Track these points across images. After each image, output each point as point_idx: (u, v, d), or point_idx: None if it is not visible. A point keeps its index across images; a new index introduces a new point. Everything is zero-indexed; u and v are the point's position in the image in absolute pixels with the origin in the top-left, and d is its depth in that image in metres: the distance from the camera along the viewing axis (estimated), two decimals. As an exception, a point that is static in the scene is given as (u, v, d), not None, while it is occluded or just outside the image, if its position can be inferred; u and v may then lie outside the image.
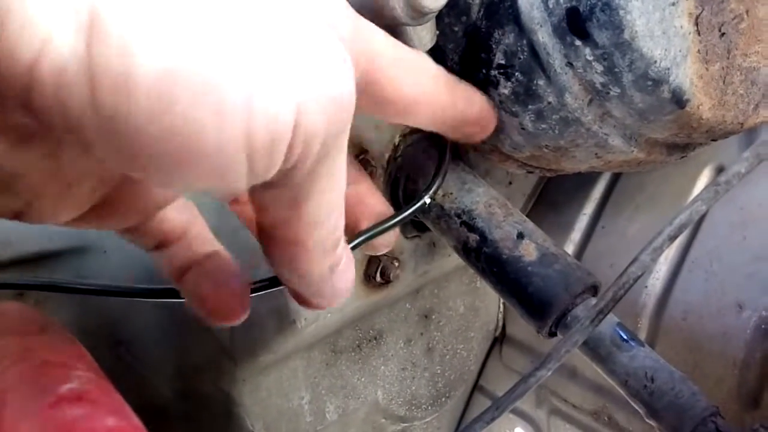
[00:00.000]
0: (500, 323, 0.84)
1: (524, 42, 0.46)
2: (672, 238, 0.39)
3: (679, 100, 0.44)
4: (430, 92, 0.38)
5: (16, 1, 0.18)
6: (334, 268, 0.31)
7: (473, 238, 0.54)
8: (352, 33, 0.32)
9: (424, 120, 0.40)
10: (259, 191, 0.25)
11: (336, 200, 0.28)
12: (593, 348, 0.48)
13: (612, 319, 0.48)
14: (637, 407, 0.47)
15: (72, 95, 0.19)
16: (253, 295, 0.37)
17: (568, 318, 0.49)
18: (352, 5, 0.43)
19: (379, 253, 0.47)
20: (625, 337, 0.48)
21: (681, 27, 0.42)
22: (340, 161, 0.26)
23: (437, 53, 0.49)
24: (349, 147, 0.57)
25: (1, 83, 0.19)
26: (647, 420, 0.47)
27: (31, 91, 0.19)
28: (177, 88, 0.19)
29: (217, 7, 0.20)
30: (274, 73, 0.21)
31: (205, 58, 0.19)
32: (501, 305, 0.84)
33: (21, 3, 0.18)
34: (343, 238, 0.31)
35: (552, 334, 0.51)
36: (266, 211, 0.27)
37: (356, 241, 0.51)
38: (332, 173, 0.26)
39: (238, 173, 0.21)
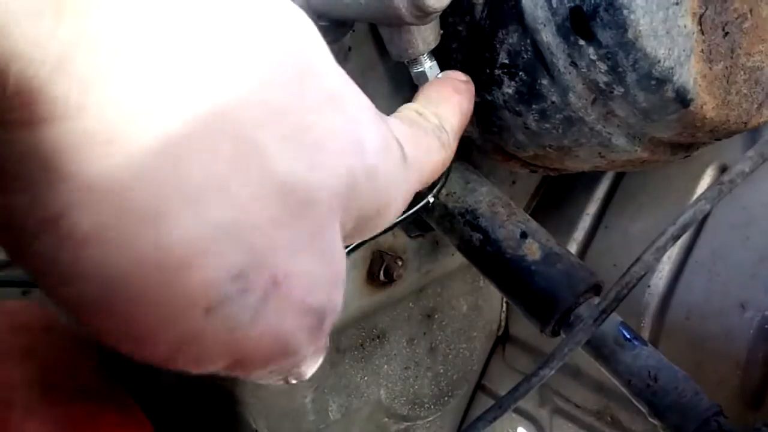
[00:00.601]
0: (503, 323, 0.84)
1: (528, 41, 0.46)
2: (675, 238, 0.39)
3: (682, 100, 0.44)
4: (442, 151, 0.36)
5: None
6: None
7: (477, 237, 0.54)
8: (409, 171, 0.30)
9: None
10: None
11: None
12: (596, 347, 0.48)
13: (615, 318, 0.48)
14: (640, 406, 0.47)
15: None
16: None
17: (572, 317, 0.49)
18: (358, 6, 0.43)
19: None
20: (628, 336, 0.48)
21: (684, 26, 0.42)
22: None
23: (441, 52, 0.49)
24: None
25: None
26: (650, 419, 0.47)
27: None
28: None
29: None
30: (217, 337, 0.21)
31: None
32: (504, 305, 0.84)
33: None
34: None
35: (555, 334, 0.51)
36: None
37: (358, 241, 0.52)
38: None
39: (154, 361, 0.22)
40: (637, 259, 0.40)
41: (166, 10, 0.19)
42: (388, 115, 0.56)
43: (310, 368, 0.29)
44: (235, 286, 0.20)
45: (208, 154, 0.20)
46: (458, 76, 0.42)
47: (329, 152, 0.23)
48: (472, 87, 0.42)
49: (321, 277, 0.23)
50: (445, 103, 0.38)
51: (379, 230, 0.30)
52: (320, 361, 0.30)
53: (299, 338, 0.23)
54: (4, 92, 0.17)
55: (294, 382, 0.30)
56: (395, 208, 0.28)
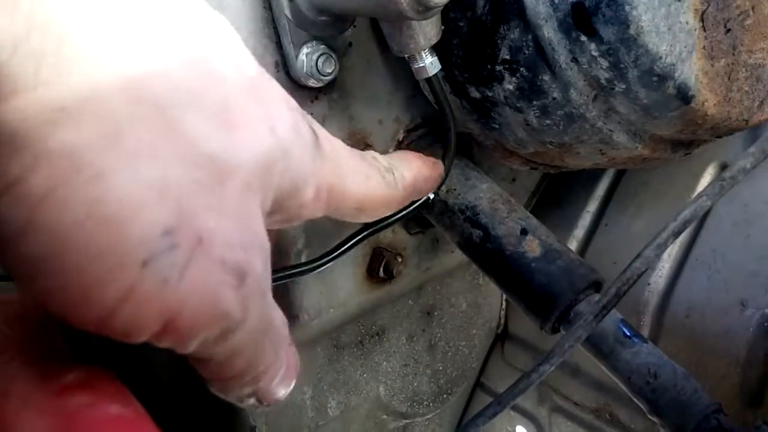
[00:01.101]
0: (502, 320, 0.84)
1: (529, 37, 0.46)
2: (676, 234, 0.39)
3: (684, 96, 0.44)
4: (386, 189, 0.40)
5: None
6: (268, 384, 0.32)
7: (477, 233, 0.54)
8: (324, 160, 0.34)
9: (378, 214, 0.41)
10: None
11: (251, 356, 0.29)
12: (596, 344, 0.48)
13: (615, 315, 0.48)
14: (639, 404, 0.47)
15: None
16: None
17: (572, 314, 0.49)
18: (359, 1, 0.43)
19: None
20: (628, 333, 0.48)
21: (686, 23, 0.42)
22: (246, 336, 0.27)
23: (442, 48, 0.49)
24: (351, 142, 0.57)
25: None
26: (650, 417, 0.47)
27: None
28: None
29: None
30: (151, 290, 0.23)
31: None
32: (503, 302, 0.83)
33: None
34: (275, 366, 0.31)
35: (555, 330, 0.51)
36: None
37: (359, 236, 0.52)
38: (239, 344, 0.27)
39: (87, 326, 0.24)
40: (638, 255, 0.40)
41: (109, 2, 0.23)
42: (389, 111, 0.57)
43: (278, 388, 0.32)
44: (165, 241, 0.23)
45: (142, 125, 0.23)
46: (427, 158, 0.47)
47: (247, 130, 0.26)
48: (439, 166, 0.47)
49: (240, 239, 0.25)
50: (404, 159, 0.43)
51: (298, 218, 0.33)
52: (289, 384, 0.32)
53: (224, 297, 0.25)
54: None
55: (266, 404, 0.32)
56: (308, 194, 0.32)
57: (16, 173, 0.21)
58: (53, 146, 0.21)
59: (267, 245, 0.28)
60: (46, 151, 0.21)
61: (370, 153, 0.41)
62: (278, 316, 0.31)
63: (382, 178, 0.39)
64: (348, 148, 0.37)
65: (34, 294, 0.23)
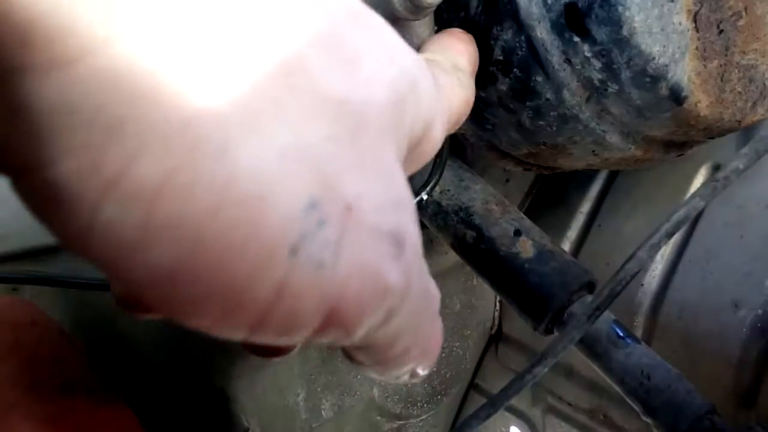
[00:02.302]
0: (496, 322, 0.84)
1: (522, 38, 0.46)
2: (669, 235, 0.39)
3: (677, 97, 0.44)
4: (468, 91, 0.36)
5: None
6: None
7: (470, 234, 0.54)
8: (444, 91, 0.30)
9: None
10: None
11: (408, 335, 0.25)
12: (590, 345, 0.48)
13: (609, 316, 0.48)
14: (633, 405, 0.47)
15: (60, 223, 0.17)
16: None
17: (565, 315, 0.49)
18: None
19: None
20: (621, 334, 0.48)
21: (679, 24, 0.42)
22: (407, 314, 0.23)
23: (435, 49, 0.49)
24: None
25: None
26: (643, 417, 0.47)
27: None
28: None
29: None
30: (307, 280, 0.19)
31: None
32: (497, 303, 0.84)
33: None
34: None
35: (549, 331, 0.51)
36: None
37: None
38: (398, 327, 0.23)
39: (237, 334, 0.20)
40: (631, 256, 0.40)
41: None
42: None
43: (431, 360, 0.27)
44: (312, 218, 0.19)
45: (257, 78, 0.18)
46: (459, 31, 0.42)
47: (369, 66, 0.21)
48: (473, 38, 0.42)
49: (389, 199, 0.21)
50: (454, 49, 0.39)
51: (426, 159, 0.28)
52: (437, 355, 0.28)
53: (386, 270, 0.21)
54: (15, 29, 0.15)
55: (422, 372, 0.27)
56: (437, 132, 0.27)
57: (118, 163, 0.16)
58: (158, 117, 0.16)
59: (412, 201, 0.23)
60: (151, 125, 0.16)
61: (427, 57, 0.36)
62: (433, 283, 0.26)
63: (458, 80, 0.34)
64: (431, 68, 0.30)
65: (166, 310, 0.19)
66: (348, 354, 0.25)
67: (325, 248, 0.19)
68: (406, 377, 0.27)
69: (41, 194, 0.17)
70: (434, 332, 0.27)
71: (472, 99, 0.36)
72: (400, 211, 0.21)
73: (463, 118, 0.35)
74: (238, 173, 0.17)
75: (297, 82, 0.19)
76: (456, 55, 0.38)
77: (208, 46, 0.17)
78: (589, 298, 0.49)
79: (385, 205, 0.21)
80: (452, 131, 0.35)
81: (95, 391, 0.26)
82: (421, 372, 0.27)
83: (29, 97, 0.16)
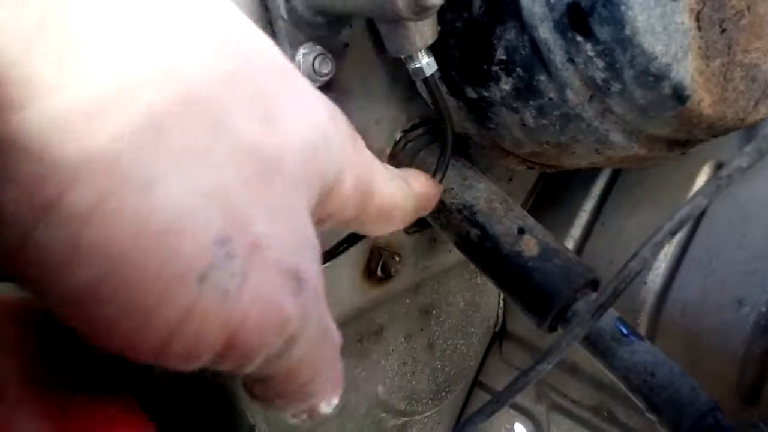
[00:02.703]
0: (500, 319, 0.85)
1: (525, 38, 0.46)
2: (673, 233, 0.39)
3: (679, 96, 0.44)
4: (403, 197, 0.39)
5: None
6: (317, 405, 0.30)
7: (474, 233, 0.54)
8: (358, 152, 0.32)
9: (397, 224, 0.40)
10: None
11: (308, 365, 0.27)
12: (593, 343, 0.48)
13: (612, 313, 0.48)
14: (637, 402, 0.48)
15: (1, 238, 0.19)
16: None
17: (569, 313, 0.49)
18: (355, 2, 0.43)
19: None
20: (625, 331, 0.48)
21: (682, 23, 0.42)
22: (304, 347, 0.25)
23: (439, 48, 0.49)
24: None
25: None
26: (647, 414, 0.47)
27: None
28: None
29: None
30: (212, 307, 0.21)
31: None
32: (501, 301, 0.84)
33: None
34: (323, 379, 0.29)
35: (552, 329, 0.51)
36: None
37: (356, 237, 0.52)
38: (298, 357, 0.25)
39: (142, 356, 0.22)
40: (634, 255, 0.40)
41: None
42: (386, 111, 0.57)
43: (332, 401, 0.30)
44: (222, 250, 0.21)
45: (185, 124, 0.20)
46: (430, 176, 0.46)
47: (288, 117, 0.24)
48: (440, 187, 0.47)
49: (294, 241, 0.23)
50: (412, 174, 0.42)
51: (339, 216, 0.31)
52: (338, 396, 0.30)
53: (285, 303, 0.23)
54: None
55: (324, 410, 0.29)
56: (348, 184, 0.29)
57: (54, 192, 0.18)
58: (94, 154, 0.19)
59: (317, 244, 0.26)
60: (87, 160, 0.19)
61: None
62: (334, 327, 0.29)
63: (400, 185, 0.37)
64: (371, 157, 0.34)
65: (83, 327, 0.21)
66: (249, 388, 0.27)
67: (231, 279, 0.21)
68: (304, 416, 0.29)
69: None
70: (334, 372, 0.29)
71: (407, 215, 0.39)
72: (303, 253, 0.23)
73: (396, 222, 0.37)
74: (159, 206, 0.19)
75: (220, 131, 0.21)
76: (412, 178, 0.41)
77: (143, 95, 0.20)
78: (593, 295, 0.50)
79: (290, 246, 0.23)
80: (380, 231, 0.38)
81: (104, 388, 0.26)
82: (324, 409, 0.29)
83: None
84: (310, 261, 0.24)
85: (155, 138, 0.20)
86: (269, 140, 0.23)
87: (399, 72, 0.55)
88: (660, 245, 0.40)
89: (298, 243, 0.23)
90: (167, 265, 0.20)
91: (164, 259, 0.20)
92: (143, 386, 0.66)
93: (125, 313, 0.20)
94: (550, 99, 0.48)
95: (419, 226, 0.64)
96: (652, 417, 0.47)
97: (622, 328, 0.48)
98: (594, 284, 0.51)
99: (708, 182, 0.39)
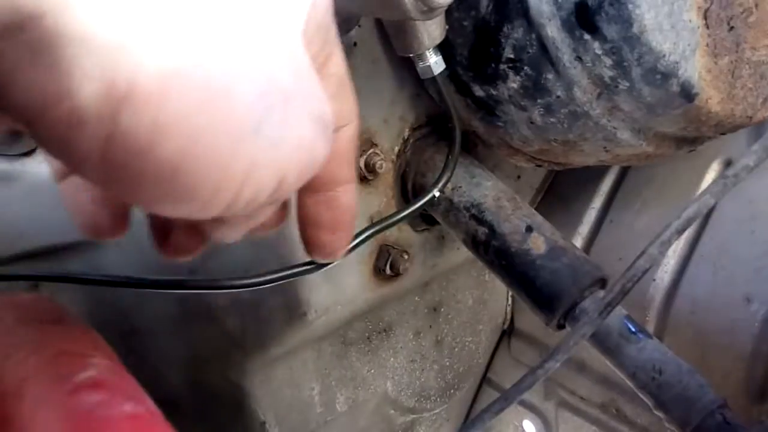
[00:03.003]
0: (508, 316, 0.85)
1: (533, 36, 0.46)
2: (680, 232, 0.39)
3: (687, 94, 0.44)
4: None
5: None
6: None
7: (482, 231, 0.54)
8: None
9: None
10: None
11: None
12: (601, 340, 0.49)
13: (620, 311, 0.49)
14: (645, 399, 0.48)
15: (82, 143, 0.21)
16: None
17: (577, 311, 0.50)
18: (363, 2, 0.43)
19: None
20: (633, 329, 0.48)
21: (690, 21, 0.43)
22: None
23: (446, 47, 0.49)
24: (358, 142, 0.57)
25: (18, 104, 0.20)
26: (655, 412, 0.48)
27: (41, 120, 0.20)
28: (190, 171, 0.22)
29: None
30: (267, 155, 0.23)
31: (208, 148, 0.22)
32: (509, 298, 0.84)
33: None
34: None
35: (560, 327, 0.51)
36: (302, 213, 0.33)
37: (365, 235, 0.52)
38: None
39: (215, 211, 0.24)
40: (642, 253, 0.40)
41: None
42: (394, 110, 0.57)
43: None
44: (263, 103, 0.23)
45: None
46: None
47: None
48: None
49: (315, 92, 0.26)
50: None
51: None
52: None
53: (319, 144, 0.26)
54: None
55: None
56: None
57: (126, 80, 0.20)
58: (151, 41, 0.20)
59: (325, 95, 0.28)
60: (148, 47, 0.20)
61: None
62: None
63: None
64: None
65: (168, 201, 0.23)
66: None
67: (275, 127, 0.23)
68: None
69: (64, 123, 0.20)
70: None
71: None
72: (322, 100, 0.26)
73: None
74: (214, 75, 0.22)
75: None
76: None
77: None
78: (601, 293, 0.50)
79: (313, 97, 0.25)
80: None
81: (119, 387, 0.26)
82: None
83: (50, 37, 0.19)
84: (326, 106, 0.26)
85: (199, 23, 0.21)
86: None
87: (407, 71, 0.56)
88: (667, 243, 0.40)
89: (317, 93, 0.26)
90: (229, 123, 0.22)
91: (226, 118, 0.22)
92: (155, 385, 0.66)
93: (207, 173, 0.22)
94: (558, 97, 0.48)
95: (428, 224, 0.64)
96: (660, 414, 0.47)
97: (630, 326, 0.48)
98: (602, 282, 0.51)
99: (715, 181, 0.39)
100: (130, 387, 0.27)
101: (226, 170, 0.22)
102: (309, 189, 0.34)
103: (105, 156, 0.21)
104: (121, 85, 0.20)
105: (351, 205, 0.35)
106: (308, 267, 0.49)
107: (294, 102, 0.24)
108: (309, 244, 0.35)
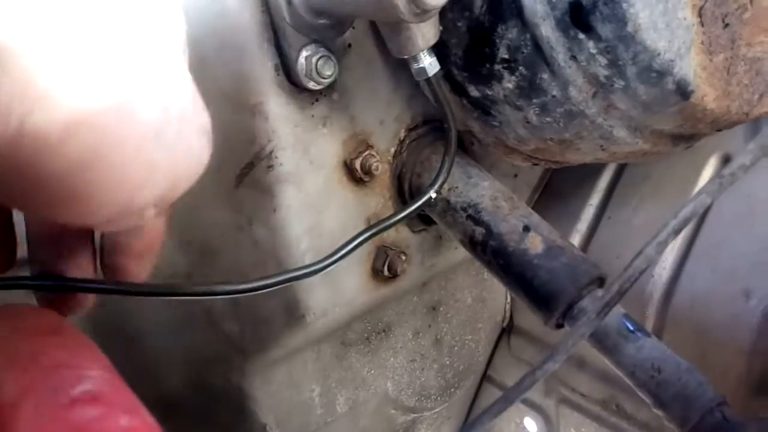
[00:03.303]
0: (508, 314, 0.85)
1: (527, 36, 0.46)
2: (677, 232, 0.39)
3: (683, 92, 0.44)
4: None
5: None
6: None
7: (479, 231, 0.54)
8: None
9: None
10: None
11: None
12: (600, 339, 0.49)
13: (618, 310, 0.49)
14: (644, 397, 0.48)
15: None
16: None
17: (575, 310, 0.50)
18: (357, 4, 0.43)
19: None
20: (631, 328, 0.48)
21: (684, 19, 0.42)
22: None
23: (441, 48, 0.49)
24: (353, 143, 0.57)
25: None
26: (654, 410, 0.48)
27: None
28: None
29: None
30: (165, 158, 0.26)
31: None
32: (508, 296, 0.84)
33: None
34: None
35: (559, 326, 0.51)
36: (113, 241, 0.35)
37: (363, 237, 0.52)
38: None
39: (114, 210, 0.26)
40: (639, 254, 0.40)
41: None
42: (390, 110, 0.57)
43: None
44: (163, 117, 0.26)
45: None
46: None
47: None
48: None
49: (200, 105, 0.29)
50: None
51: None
52: None
53: (204, 151, 0.29)
54: None
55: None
56: None
57: (45, 85, 0.22)
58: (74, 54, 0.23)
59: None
60: (70, 57, 0.23)
61: None
62: None
63: None
64: None
65: (70, 202, 0.25)
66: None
67: (173, 136, 0.26)
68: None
69: None
70: None
71: None
72: (205, 112, 0.29)
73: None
74: (126, 88, 0.24)
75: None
76: None
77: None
78: (599, 292, 0.50)
79: (199, 109, 0.29)
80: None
81: (117, 400, 0.26)
82: None
83: None
84: (208, 118, 0.30)
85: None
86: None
87: (402, 71, 0.56)
88: (664, 244, 0.40)
89: (202, 107, 0.29)
90: (134, 129, 0.25)
91: (132, 124, 0.25)
92: (156, 390, 0.66)
93: (113, 170, 0.25)
94: (554, 96, 0.48)
95: (425, 224, 0.64)
96: (659, 412, 0.47)
97: (629, 325, 0.48)
98: (600, 281, 0.51)
99: (711, 180, 0.39)
100: (128, 400, 0.27)
101: (130, 166, 0.25)
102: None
103: (12, 146, 0.22)
104: (38, 87, 0.22)
105: (159, 233, 0.37)
106: (305, 271, 0.49)
107: (186, 116, 0.27)
108: (111, 270, 0.37)
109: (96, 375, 0.28)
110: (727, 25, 0.44)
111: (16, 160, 0.23)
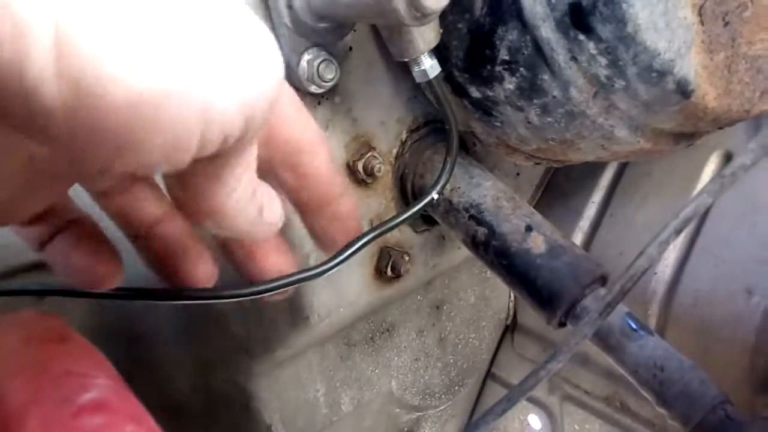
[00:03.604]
0: (511, 312, 0.85)
1: (528, 38, 0.46)
2: (678, 231, 0.39)
3: (684, 91, 0.44)
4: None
5: None
6: (261, 212, 0.31)
7: (482, 231, 0.54)
8: None
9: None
10: (190, 168, 0.26)
11: (250, 164, 0.29)
12: (603, 338, 0.49)
13: (621, 309, 0.49)
14: (647, 396, 0.48)
15: (43, 102, 0.20)
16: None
17: (578, 309, 0.50)
18: (357, 8, 0.43)
19: None
20: (634, 326, 0.48)
21: (684, 18, 0.42)
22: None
23: (442, 50, 0.49)
24: (355, 145, 0.57)
25: None
26: (657, 408, 0.48)
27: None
28: (145, 105, 0.21)
29: (176, 26, 0.22)
30: (227, 84, 0.23)
31: (170, 72, 0.22)
32: (511, 294, 0.84)
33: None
34: (257, 186, 0.31)
35: (562, 325, 0.52)
36: (190, 186, 0.29)
37: (366, 239, 0.52)
38: (251, 145, 0.27)
39: (187, 154, 0.24)
40: (641, 253, 0.41)
41: None
42: (391, 112, 0.57)
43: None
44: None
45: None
46: None
47: None
48: None
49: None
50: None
51: None
52: None
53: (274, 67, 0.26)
54: None
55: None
56: None
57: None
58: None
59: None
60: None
61: None
62: None
63: None
64: None
65: (118, 147, 0.22)
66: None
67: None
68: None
69: (24, 83, 0.20)
70: None
71: None
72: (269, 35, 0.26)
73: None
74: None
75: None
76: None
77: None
78: (602, 291, 0.50)
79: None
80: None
81: (124, 408, 0.27)
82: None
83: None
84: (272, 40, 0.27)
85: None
86: None
87: (403, 73, 0.56)
88: (666, 243, 0.40)
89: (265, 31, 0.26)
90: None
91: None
92: (161, 389, 0.67)
93: (168, 106, 0.22)
94: (554, 97, 0.48)
95: (428, 224, 0.64)
96: (662, 410, 0.47)
97: (631, 323, 0.48)
98: (602, 280, 0.51)
99: (712, 180, 0.39)
100: (133, 408, 0.27)
101: (186, 97, 0.22)
102: (312, 210, 0.37)
103: (68, 105, 0.21)
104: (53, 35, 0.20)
105: (352, 209, 0.39)
106: (310, 273, 0.50)
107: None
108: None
109: (102, 383, 0.28)
110: (727, 23, 0.44)
111: (76, 111, 0.21)
